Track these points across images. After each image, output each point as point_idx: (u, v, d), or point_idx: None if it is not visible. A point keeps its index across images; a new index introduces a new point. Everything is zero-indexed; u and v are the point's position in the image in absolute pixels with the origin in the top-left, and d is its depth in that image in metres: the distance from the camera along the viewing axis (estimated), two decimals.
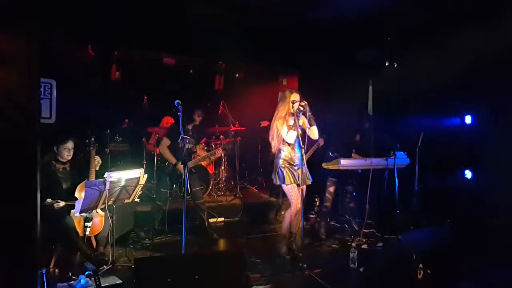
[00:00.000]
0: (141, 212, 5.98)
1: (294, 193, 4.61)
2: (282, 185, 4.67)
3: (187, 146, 5.40)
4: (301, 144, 4.53)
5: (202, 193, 6.05)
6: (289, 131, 4.56)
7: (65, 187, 4.31)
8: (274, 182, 4.77)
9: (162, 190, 5.66)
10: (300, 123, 4.63)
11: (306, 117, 4.59)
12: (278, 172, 4.66)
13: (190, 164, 5.51)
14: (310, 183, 4.75)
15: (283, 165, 4.64)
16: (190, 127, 5.64)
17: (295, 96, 4.65)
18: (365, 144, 5.69)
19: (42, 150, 4.20)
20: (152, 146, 7.19)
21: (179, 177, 5.56)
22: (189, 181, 5.30)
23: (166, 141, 5.54)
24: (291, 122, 4.62)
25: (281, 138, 4.63)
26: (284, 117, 4.63)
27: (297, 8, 5.71)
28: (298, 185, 4.60)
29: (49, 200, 4.07)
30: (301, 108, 4.54)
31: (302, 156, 4.59)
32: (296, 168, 4.64)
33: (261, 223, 6.50)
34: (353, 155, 5.48)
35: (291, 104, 4.61)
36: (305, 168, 4.66)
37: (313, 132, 4.70)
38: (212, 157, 6.22)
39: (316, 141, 5.18)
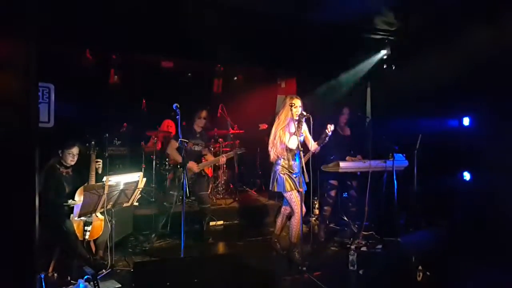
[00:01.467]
0: (140, 216, 5.97)
1: (296, 199, 4.61)
2: (283, 193, 4.69)
3: (196, 148, 5.44)
4: (301, 154, 4.54)
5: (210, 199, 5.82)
6: (291, 137, 4.58)
7: (68, 191, 4.33)
8: (271, 188, 4.78)
9: (171, 192, 5.42)
10: (301, 131, 4.63)
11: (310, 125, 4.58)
12: (277, 179, 4.68)
13: (201, 166, 5.46)
14: (302, 191, 4.70)
15: (282, 172, 4.65)
16: (198, 129, 5.52)
17: (297, 102, 4.63)
18: (358, 144, 5.70)
19: (47, 153, 4.31)
20: (151, 149, 7.19)
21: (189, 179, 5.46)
22: (197, 184, 5.45)
23: (174, 143, 5.38)
24: (293, 128, 4.62)
25: (284, 145, 4.63)
26: (286, 124, 4.64)
27: (295, 11, 5.72)
28: (298, 191, 4.59)
29: (71, 201, 4.16)
30: (304, 114, 4.54)
31: (301, 165, 4.59)
32: (294, 176, 4.65)
33: (260, 226, 6.50)
34: (347, 158, 5.45)
35: (292, 110, 4.57)
36: (303, 177, 4.66)
37: (316, 147, 4.75)
38: (217, 163, 6.21)
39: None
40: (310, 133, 4.70)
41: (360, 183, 5.62)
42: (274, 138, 4.70)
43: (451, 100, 5.42)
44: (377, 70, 6.53)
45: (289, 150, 4.66)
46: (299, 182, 4.60)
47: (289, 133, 4.62)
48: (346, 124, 5.82)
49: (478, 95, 5.05)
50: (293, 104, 4.59)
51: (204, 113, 5.50)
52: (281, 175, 4.65)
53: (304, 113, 4.56)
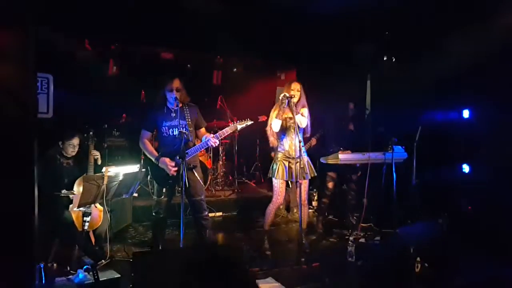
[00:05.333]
0: (140, 207, 5.99)
1: (278, 188, 4.65)
2: (273, 177, 4.69)
3: (174, 132, 4.28)
4: (299, 137, 4.42)
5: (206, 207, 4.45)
6: (274, 120, 4.57)
7: (67, 181, 4.33)
8: (269, 175, 4.79)
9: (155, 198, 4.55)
10: (291, 114, 4.55)
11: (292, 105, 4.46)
12: (273, 165, 4.70)
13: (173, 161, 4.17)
14: (312, 175, 4.71)
15: (280, 159, 4.66)
16: (172, 106, 4.31)
17: (296, 85, 4.66)
18: (357, 137, 5.70)
19: (47, 144, 4.29)
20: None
21: (167, 178, 4.24)
22: (189, 186, 4.08)
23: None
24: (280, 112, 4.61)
25: (271, 129, 4.66)
26: (276, 108, 4.67)
27: (295, 2, 5.69)
28: (288, 182, 4.68)
29: (64, 191, 4.15)
30: (287, 95, 4.46)
31: (300, 148, 4.52)
32: (294, 161, 4.60)
33: (259, 218, 6.51)
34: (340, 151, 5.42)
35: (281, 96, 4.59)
36: (305, 161, 4.61)
37: (300, 121, 4.62)
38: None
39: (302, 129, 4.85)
40: (294, 114, 4.45)
41: (360, 176, 5.63)
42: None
43: (451, 92, 5.42)
44: (377, 62, 6.50)
45: (284, 133, 4.65)
46: (300, 169, 4.52)
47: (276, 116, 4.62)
48: (350, 119, 5.83)
49: (478, 87, 5.04)
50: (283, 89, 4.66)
51: (176, 83, 4.27)
52: (278, 162, 4.65)
53: (287, 94, 4.48)
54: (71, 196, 4.20)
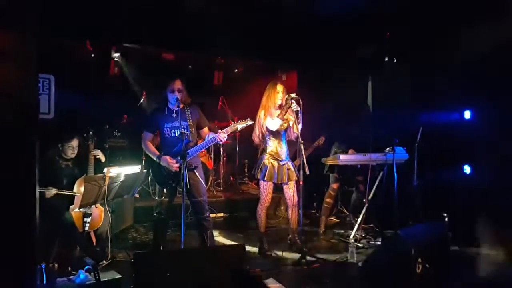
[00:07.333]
0: (141, 208, 5.99)
1: (266, 190, 4.66)
2: (260, 179, 4.66)
3: (176, 133, 4.27)
4: (301, 147, 4.37)
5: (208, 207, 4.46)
6: (274, 118, 4.50)
7: (66, 182, 4.32)
8: (255, 175, 4.75)
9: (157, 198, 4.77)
10: (289, 117, 4.56)
11: (299, 107, 4.41)
12: (261, 167, 4.63)
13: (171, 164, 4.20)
14: (297, 178, 4.65)
15: (267, 161, 4.62)
16: (173, 107, 4.32)
17: (280, 87, 4.62)
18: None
19: (46, 145, 4.28)
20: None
21: (169, 178, 4.29)
22: (190, 186, 4.07)
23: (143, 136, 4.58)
24: (276, 112, 4.54)
25: (263, 128, 4.58)
26: (267, 106, 4.61)
27: (296, 3, 5.70)
28: (278, 183, 4.65)
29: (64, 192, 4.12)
30: (293, 96, 4.43)
31: (287, 151, 4.68)
32: (282, 163, 4.63)
33: None
34: (350, 151, 5.43)
35: (277, 95, 4.57)
36: (292, 165, 4.70)
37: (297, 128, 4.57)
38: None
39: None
40: (299, 117, 4.44)
41: (366, 177, 5.62)
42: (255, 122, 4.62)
43: (452, 93, 5.41)
44: (379, 63, 6.50)
45: (272, 138, 4.62)
46: (288, 171, 4.60)
47: (271, 116, 4.56)
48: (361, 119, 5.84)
49: (479, 88, 5.04)
50: (277, 91, 4.60)
51: (177, 84, 4.28)
52: (266, 164, 4.61)
53: (292, 95, 4.43)
54: (46, 193, 4.09)
